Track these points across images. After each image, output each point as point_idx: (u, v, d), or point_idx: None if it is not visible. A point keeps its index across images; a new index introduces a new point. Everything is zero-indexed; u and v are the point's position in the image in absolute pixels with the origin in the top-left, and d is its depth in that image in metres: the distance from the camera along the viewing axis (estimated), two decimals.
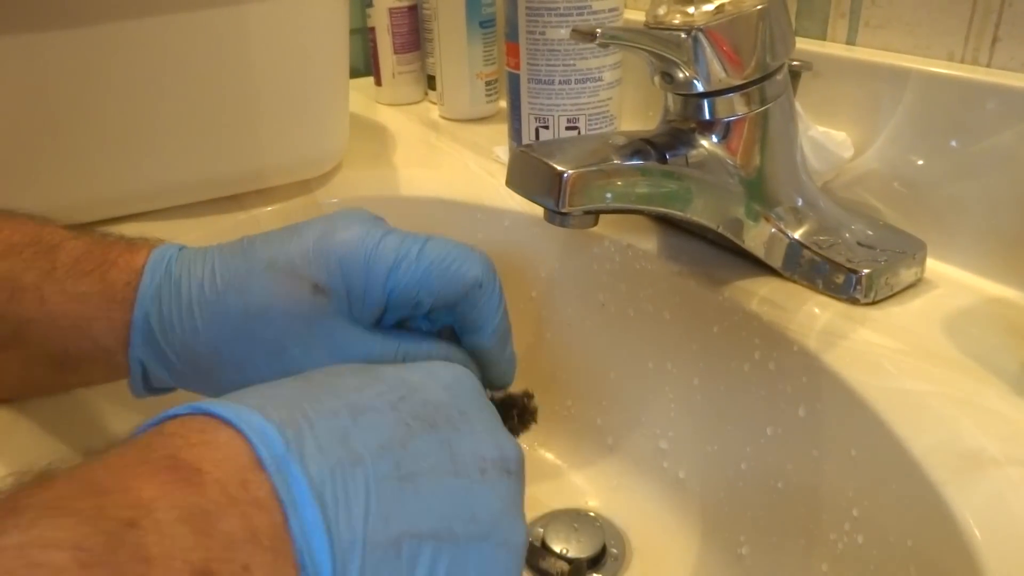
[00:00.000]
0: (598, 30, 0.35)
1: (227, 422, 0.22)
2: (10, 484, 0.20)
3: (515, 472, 0.27)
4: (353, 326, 0.33)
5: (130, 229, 0.41)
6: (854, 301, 0.40)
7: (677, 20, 0.37)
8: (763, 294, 0.41)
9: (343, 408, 0.24)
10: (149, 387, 0.35)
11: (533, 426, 0.37)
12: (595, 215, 0.38)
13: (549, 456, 0.54)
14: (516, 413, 0.36)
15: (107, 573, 0.18)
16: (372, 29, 0.74)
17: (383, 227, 0.33)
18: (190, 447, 0.22)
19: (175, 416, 0.23)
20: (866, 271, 0.39)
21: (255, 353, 0.32)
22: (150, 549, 0.19)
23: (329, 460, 0.22)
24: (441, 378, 0.28)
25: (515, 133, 0.55)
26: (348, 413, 0.24)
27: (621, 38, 0.37)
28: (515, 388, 0.38)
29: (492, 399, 0.33)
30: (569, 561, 0.46)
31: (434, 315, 0.35)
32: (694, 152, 0.40)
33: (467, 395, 0.28)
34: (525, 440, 0.54)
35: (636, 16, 0.49)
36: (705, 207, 0.39)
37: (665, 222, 0.48)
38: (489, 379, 0.36)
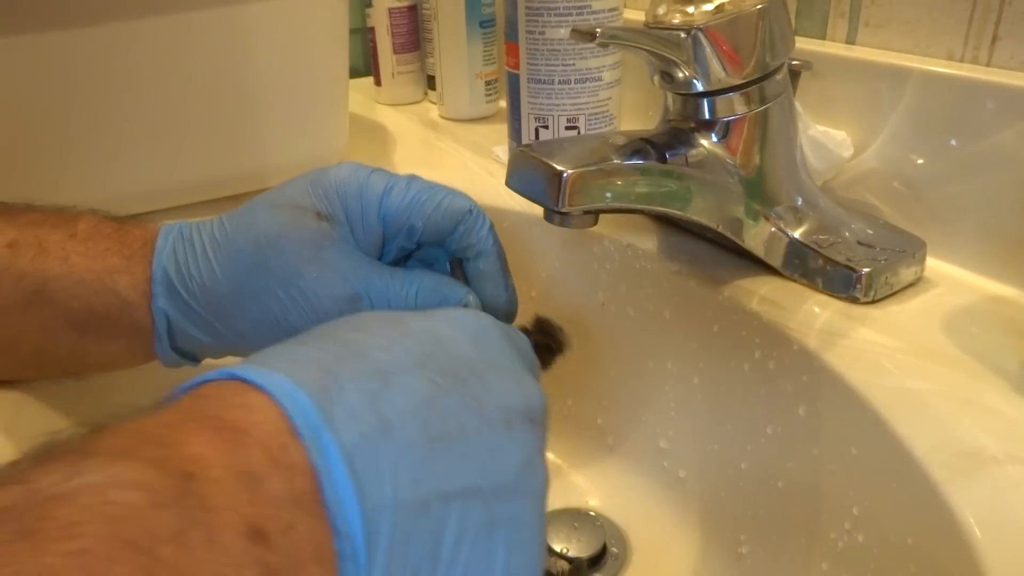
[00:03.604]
0: (598, 30, 0.35)
1: (261, 388, 0.23)
2: (66, 437, 0.21)
3: (539, 420, 0.27)
4: (363, 255, 0.35)
5: None
6: (854, 300, 0.40)
7: (677, 19, 0.37)
8: (763, 293, 0.41)
9: (372, 372, 0.24)
10: (175, 347, 0.36)
11: (560, 357, 0.37)
12: (595, 215, 0.38)
13: (549, 456, 0.54)
14: (547, 346, 0.36)
15: (176, 514, 0.19)
16: (372, 29, 0.74)
17: (370, 166, 0.36)
18: (231, 408, 0.22)
19: (208, 381, 0.24)
20: (866, 270, 0.39)
21: (271, 283, 0.33)
22: (212, 499, 0.20)
23: (361, 426, 0.23)
24: (468, 329, 0.28)
25: (515, 133, 0.55)
26: (377, 377, 0.24)
27: (621, 38, 0.37)
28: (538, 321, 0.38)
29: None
30: (570, 560, 0.46)
31: (433, 251, 0.37)
32: (694, 151, 0.40)
33: (494, 344, 0.28)
34: None
35: (636, 16, 0.49)
36: (705, 206, 0.39)
37: (665, 222, 0.48)
38: (499, 309, 0.37)
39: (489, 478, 0.24)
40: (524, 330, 0.36)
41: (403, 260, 0.37)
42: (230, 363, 0.25)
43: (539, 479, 0.27)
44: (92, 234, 0.35)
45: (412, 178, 0.36)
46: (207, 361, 0.38)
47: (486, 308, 0.36)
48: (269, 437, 0.22)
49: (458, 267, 0.37)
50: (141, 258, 0.35)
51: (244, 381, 0.23)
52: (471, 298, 0.35)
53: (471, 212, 0.35)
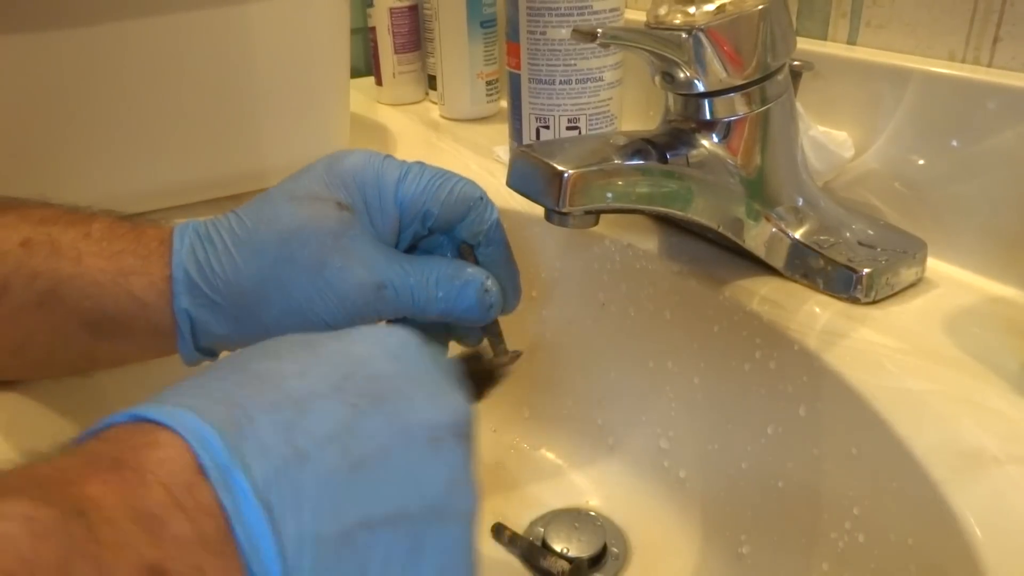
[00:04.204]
0: (599, 30, 0.35)
1: (167, 427, 0.22)
2: None
3: (466, 434, 0.26)
4: (382, 244, 0.35)
5: None
6: (855, 300, 0.40)
7: (678, 20, 0.37)
8: (764, 293, 0.41)
9: (284, 400, 0.24)
10: (198, 346, 0.35)
11: (494, 389, 0.36)
12: (595, 215, 0.38)
13: (550, 456, 0.54)
14: (478, 374, 0.36)
15: (60, 544, 0.18)
16: (373, 29, 0.74)
17: (382, 153, 0.36)
18: (132, 450, 0.21)
19: (115, 424, 0.23)
20: (867, 270, 0.39)
21: (297, 274, 0.33)
22: (104, 535, 0.19)
23: (273, 461, 0.22)
24: (386, 345, 0.27)
25: (516, 133, 0.55)
26: (290, 405, 0.23)
27: (622, 38, 0.37)
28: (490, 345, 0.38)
29: (461, 355, 0.35)
30: (570, 560, 0.46)
31: (436, 240, 0.37)
32: (695, 152, 0.40)
33: (414, 359, 0.27)
34: (527, 440, 0.54)
35: (637, 16, 0.49)
36: (706, 207, 0.39)
37: (666, 222, 0.48)
38: (507, 298, 0.38)
39: (415, 500, 0.24)
40: (463, 357, 0.36)
41: (410, 249, 0.37)
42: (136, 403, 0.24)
43: (468, 498, 0.26)
44: (107, 234, 0.35)
45: (422, 164, 0.36)
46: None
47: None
48: (173, 477, 0.21)
49: (469, 254, 0.37)
50: (158, 258, 0.34)
51: (148, 420, 0.22)
52: (490, 282, 0.35)
53: (481, 199, 0.36)
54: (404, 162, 0.36)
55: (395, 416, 0.24)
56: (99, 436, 0.22)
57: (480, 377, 0.35)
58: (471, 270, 0.36)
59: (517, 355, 0.38)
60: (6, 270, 0.34)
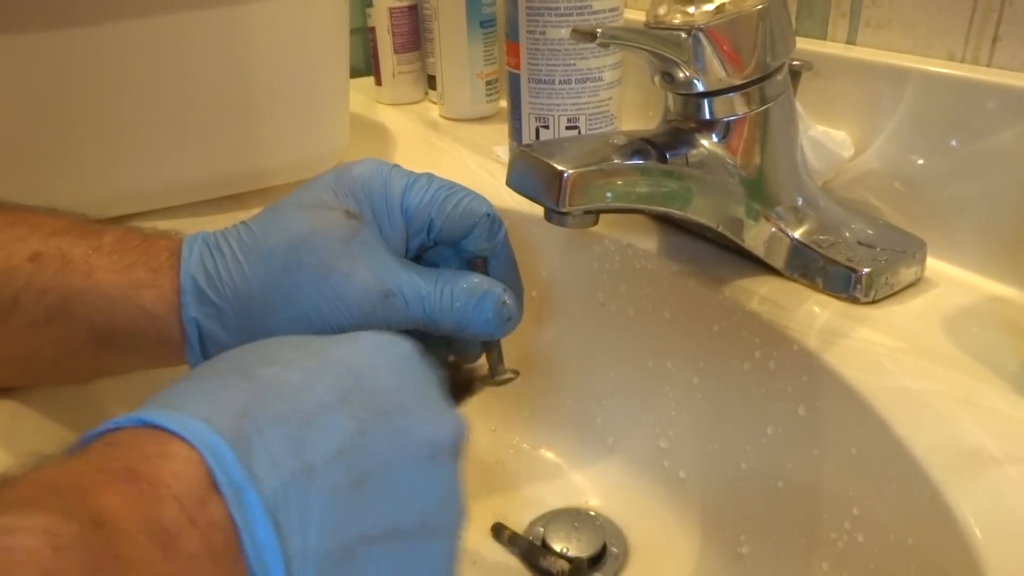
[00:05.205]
0: (598, 30, 0.35)
1: (178, 436, 0.22)
2: None
3: (460, 452, 0.27)
4: (392, 253, 0.35)
5: None
6: (854, 300, 0.40)
7: (677, 20, 0.37)
8: (763, 293, 0.41)
9: (292, 412, 0.24)
10: (206, 356, 0.35)
11: (471, 399, 0.37)
12: (595, 215, 0.38)
13: (549, 456, 0.54)
14: (457, 383, 0.36)
15: (82, 559, 0.18)
16: (372, 29, 0.74)
17: (390, 163, 0.36)
18: (145, 460, 0.21)
19: (119, 427, 0.23)
20: (866, 270, 0.39)
21: (304, 283, 0.33)
22: (122, 550, 0.19)
23: (282, 476, 0.22)
24: (388, 358, 0.28)
25: (515, 133, 0.55)
26: (298, 417, 0.24)
27: (621, 38, 0.37)
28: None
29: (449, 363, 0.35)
30: (570, 560, 0.46)
31: (444, 251, 0.37)
32: (694, 152, 0.40)
33: (415, 373, 0.28)
34: (527, 440, 0.54)
35: (636, 16, 0.49)
36: (705, 206, 0.39)
37: (665, 221, 0.48)
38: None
39: (412, 516, 0.24)
40: (446, 365, 0.36)
41: (416, 259, 0.37)
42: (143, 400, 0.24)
43: (455, 515, 0.26)
44: (118, 247, 0.35)
45: (431, 176, 0.36)
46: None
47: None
48: (186, 491, 0.21)
49: (481, 267, 0.37)
50: (168, 269, 0.34)
51: (158, 427, 0.22)
52: (507, 295, 0.35)
53: (488, 216, 0.36)
54: (412, 172, 0.36)
55: (398, 433, 0.25)
56: (108, 440, 0.22)
57: (460, 386, 0.36)
58: (488, 283, 0.35)
59: (515, 375, 0.38)
60: (16, 286, 0.33)
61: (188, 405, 0.23)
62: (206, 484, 0.21)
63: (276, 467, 0.22)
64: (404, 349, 0.29)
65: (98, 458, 0.22)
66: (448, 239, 0.36)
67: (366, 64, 0.82)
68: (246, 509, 0.21)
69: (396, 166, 0.36)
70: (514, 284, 0.37)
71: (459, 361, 0.38)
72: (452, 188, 0.36)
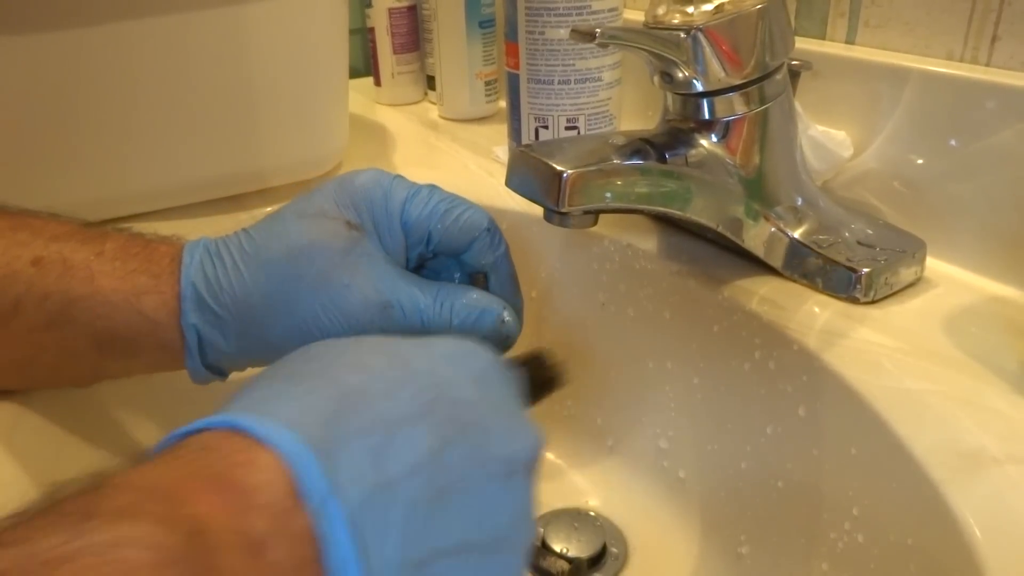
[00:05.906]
0: (597, 30, 0.35)
1: (265, 444, 0.22)
2: (71, 490, 0.20)
3: (535, 469, 0.27)
4: (393, 264, 0.35)
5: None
6: (854, 300, 0.40)
7: (676, 20, 0.37)
8: (763, 293, 0.41)
9: (375, 422, 0.24)
10: (206, 363, 0.35)
11: (551, 395, 0.37)
12: (595, 215, 0.38)
13: (549, 456, 0.54)
14: (538, 380, 0.36)
15: (183, 572, 0.19)
16: (372, 29, 0.74)
17: (392, 173, 0.36)
18: (233, 467, 0.22)
19: (208, 428, 0.23)
20: (866, 270, 0.39)
21: (303, 293, 0.33)
22: (220, 562, 0.19)
23: (364, 488, 0.22)
24: (469, 369, 0.28)
25: (515, 133, 0.55)
26: (381, 428, 0.24)
27: (620, 38, 0.37)
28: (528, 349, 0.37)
29: (521, 359, 0.34)
30: (569, 560, 0.46)
31: (444, 262, 0.37)
32: (693, 152, 0.40)
33: (495, 385, 0.28)
34: None
35: (636, 16, 0.49)
36: (705, 206, 0.39)
37: (665, 222, 0.48)
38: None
39: (485, 532, 0.24)
40: (519, 361, 0.35)
41: (417, 269, 0.37)
42: (228, 394, 0.24)
43: (527, 532, 0.26)
44: (120, 253, 0.35)
45: (433, 188, 0.36)
46: (231, 378, 0.37)
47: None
48: (274, 502, 0.21)
49: (481, 282, 0.37)
50: (169, 276, 0.34)
51: (246, 432, 0.22)
52: (507, 313, 0.35)
53: (488, 230, 0.36)
54: (415, 184, 0.36)
55: (476, 449, 0.25)
56: (197, 442, 0.23)
57: (539, 384, 0.35)
58: (488, 299, 0.35)
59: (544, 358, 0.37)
60: (18, 290, 0.33)
61: (277, 410, 0.24)
62: (292, 494, 0.22)
63: (359, 479, 0.22)
64: (484, 359, 0.29)
65: (190, 463, 0.22)
66: (448, 252, 0.36)
67: (365, 64, 0.82)
68: (330, 519, 0.21)
69: (399, 177, 0.36)
70: (514, 299, 0.37)
71: (538, 356, 0.37)
72: (453, 201, 0.35)
